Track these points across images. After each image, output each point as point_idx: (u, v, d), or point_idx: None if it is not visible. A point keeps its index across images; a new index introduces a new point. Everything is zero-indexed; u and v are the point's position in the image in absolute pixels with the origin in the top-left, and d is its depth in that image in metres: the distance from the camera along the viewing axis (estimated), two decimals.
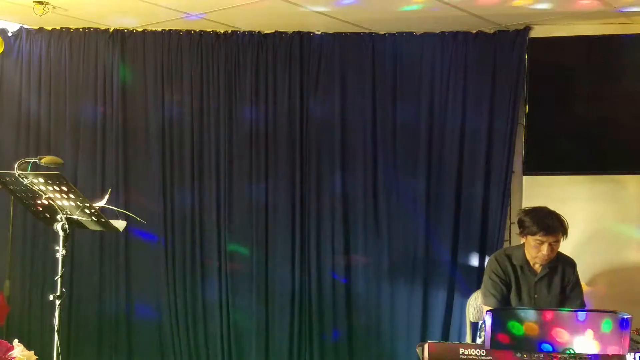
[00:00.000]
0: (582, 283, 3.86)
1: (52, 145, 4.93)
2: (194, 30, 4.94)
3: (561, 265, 3.76)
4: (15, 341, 2.87)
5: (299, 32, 4.92)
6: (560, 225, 3.60)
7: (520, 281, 3.74)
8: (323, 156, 4.95)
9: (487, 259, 4.68)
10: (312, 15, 4.56)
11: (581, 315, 3.07)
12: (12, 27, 4.93)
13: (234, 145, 4.96)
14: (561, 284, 3.74)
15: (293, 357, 4.93)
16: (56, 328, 3.16)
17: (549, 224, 3.58)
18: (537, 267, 3.73)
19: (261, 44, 4.94)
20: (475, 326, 4.14)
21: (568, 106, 4.59)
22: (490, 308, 3.60)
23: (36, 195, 3.20)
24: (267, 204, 4.95)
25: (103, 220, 3.26)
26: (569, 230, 3.65)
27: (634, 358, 2.93)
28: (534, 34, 4.71)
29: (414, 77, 4.87)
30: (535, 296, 3.72)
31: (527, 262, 3.74)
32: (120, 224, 3.40)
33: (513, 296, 3.74)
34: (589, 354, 2.83)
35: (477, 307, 4.11)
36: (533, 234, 3.61)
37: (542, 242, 3.60)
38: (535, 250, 3.64)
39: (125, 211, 3.80)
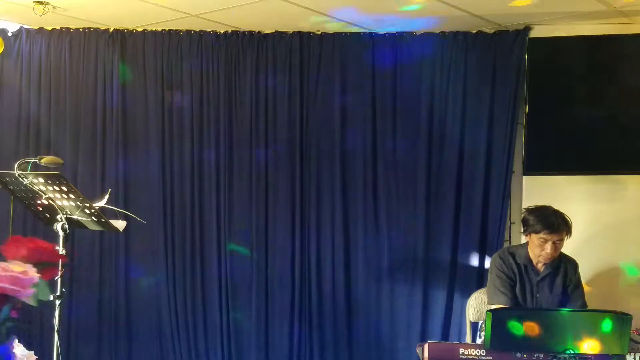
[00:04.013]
0: (582, 282, 3.86)
1: (52, 145, 4.92)
2: (194, 30, 4.94)
3: (564, 266, 3.76)
4: (15, 341, 2.86)
5: (299, 32, 4.92)
6: (565, 224, 3.60)
7: (524, 280, 3.74)
8: (323, 156, 4.95)
9: (487, 259, 4.69)
10: (312, 15, 4.56)
11: (581, 315, 3.07)
12: (12, 27, 4.93)
13: (233, 145, 4.96)
14: (563, 284, 3.75)
15: (293, 357, 4.93)
16: (56, 328, 3.16)
17: (553, 222, 3.58)
18: (540, 267, 3.73)
19: (261, 44, 4.94)
20: (475, 326, 4.14)
21: (568, 106, 4.59)
22: (502, 306, 3.60)
23: (36, 195, 3.20)
24: (267, 203, 4.95)
25: (103, 220, 3.26)
26: None
27: (634, 358, 2.93)
28: (534, 34, 4.71)
29: (414, 77, 4.87)
30: (537, 295, 3.72)
31: (531, 261, 3.74)
32: (120, 224, 3.40)
33: (516, 294, 3.74)
34: (589, 354, 2.83)
35: (477, 307, 4.11)
36: (537, 232, 3.61)
37: (546, 241, 3.61)
38: (539, 249, 3.64)
39: (125, 211, 3.80)
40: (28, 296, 1.48)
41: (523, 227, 3.74)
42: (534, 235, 3.65)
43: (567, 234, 3.63)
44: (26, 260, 1.54)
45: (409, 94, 4.88)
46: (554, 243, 3.61)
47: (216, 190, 4.96)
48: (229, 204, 4.96)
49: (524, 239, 3.84)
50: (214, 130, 4.96)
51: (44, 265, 1.57)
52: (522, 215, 3.76)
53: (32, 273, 1.49)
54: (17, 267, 1.49)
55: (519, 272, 3.75)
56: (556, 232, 3.59)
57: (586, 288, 3.87)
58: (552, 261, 3.69)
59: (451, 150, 4.83)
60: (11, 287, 1.46)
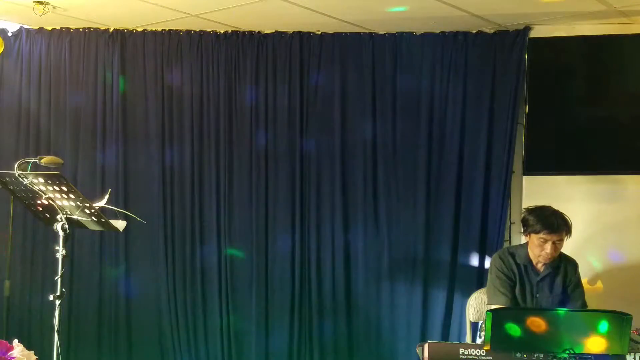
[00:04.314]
0: (583, 282, 3.85)
1: (52, 145, 4.93)
2: (194, 30, 4.94)
3: (563, 266, 3.76)
4: (15, 341, 2.86)
5: (299, 32, 4.92)
6: (564, 224, 3.60)
7: (524, 280, 3.74)
8: (323, 155, 4.94)
9: (487, 259, 4.69)
10: (312, 15, 4.56)
11: (581, 315, 3.07)
12: (12, 27, 4.93)
13: (233, 145, 4.96)
14: (563, 284, 3.74)
15: (293, 357, 4.93)
16: (56, 328, 3.17)
17: (553, 222, 3.58)
18: (540, 267, 3.73)
19: (261, 44, 4.94)
20: (475, 326, 4.14)
21: (568, 106, 4.59)
22: (501, 307, 3.60)
23: (36, 195, 3.20)
24: (267, 203, 4.95)
25: (103, 220, 3.26)
26: None
27: (634, 358, 2.93)
28: (534, 34, 4.71)
29: (414, 77, 4.87)
30: (537, 295, 3.72)
31: (530, 261, 3.74)
32: (120, 224, 3.40)
33: (516, 294, 3.74)
34: (589, 354, 2.83)
35: (477, 307, 4.11)
36: (537, 233, 3.61)
37: (545, 241, 3.60)
38: (538, 249, 3.64)
39: (125, 211, 3.81)
40: None
41: (523, 227, 3.73)
42: (533, 236, 3.65)
43: (567, 234, 3.62)
44: None
45: (409, 94, 4.88)
46: (553, 243, 3.61)
47: (216, 190, 4.96)
48: (229, 204, 4.96)
49: (524, 239, 3.84)
50: (214, 130, 4.96)
51: None
52: (522, 215, 3.76)
53: None
54: None
55: (518, 272, 3.75)
56: (556, 232, 3.58)
57: (585, 288, 3.87)
58: (552, 261, 3.69)
59: (451, 150, 4.83)
60: None
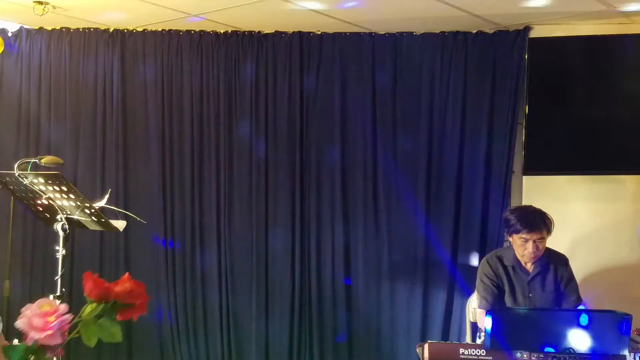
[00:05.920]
0: (582, 282, 3.85)
1: (52, 145, 4.93)
2: (194, 30, 4.94)
3: (553, 263, 3.75)
4: (15, 341, 2.87)
5: (299, 32, 4.92)
6: (543, 223, 3.59)
7: (513, 281, 3.74)
8: (323, 156, 4.95)
9: None
10: (312, 15, 4.56)
11: (581, 315, 3.07)
12: (12, 27, 4.93)
13: (233, 145, 4.97)
14: (555, 281, 3.73)
15: (293, 358, 4.93)
16: None
17: (532, 221, 3.58)
18: (529, 266, 3.73)
19: (261, 44, 4.94)
20: (475, 326, 4.13)
21: (568, 106, 4.59)
22: (482, 311, 3.60)
23: (36, 195, 3.20)
24: (267, 203, 4.95)
25: (103, 220, 3.26)
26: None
27: (634, 358, 2.93)
28: (534, 34, 4.70)
29: (414, 77, 4.87)
30: (530, 295, 3.72)
31: (519, 261, 3.73)
32: (120, 224, 3.40)
33: (507, 297, 3.73)
34: (588, 354, 2.83)
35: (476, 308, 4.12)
36: (517, 232, 3.61)
37: (526, 240, 3.60)
38: (521, 249, 3.65)
39: (125, 211, 3.80)
40: (55, 336, 1.37)
41: (505, 227, 3.75)
42: (515, 236, 3.65)
43: (547, 233, 3.62)
44: (97, 297, 1.44)
45: (409, 94, 4.88)
46: (534, 242, 3.60)
47: (216, 190, 4.96)
48: (229, 204, 4.96)
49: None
50: (214, 130, 4.96)
51: (120, 305, 1.46)
52: (504, 216, 3.77)
53: (60, 312, 1.38)
54: (45, 307, 1.40)
55: (506, 275, 3.74)
56: (535, 231, 3.58)
57: (585, 287, 3.86)
58: (540, 259, 3.69)
59: (451, 150, 4.83)
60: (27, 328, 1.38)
